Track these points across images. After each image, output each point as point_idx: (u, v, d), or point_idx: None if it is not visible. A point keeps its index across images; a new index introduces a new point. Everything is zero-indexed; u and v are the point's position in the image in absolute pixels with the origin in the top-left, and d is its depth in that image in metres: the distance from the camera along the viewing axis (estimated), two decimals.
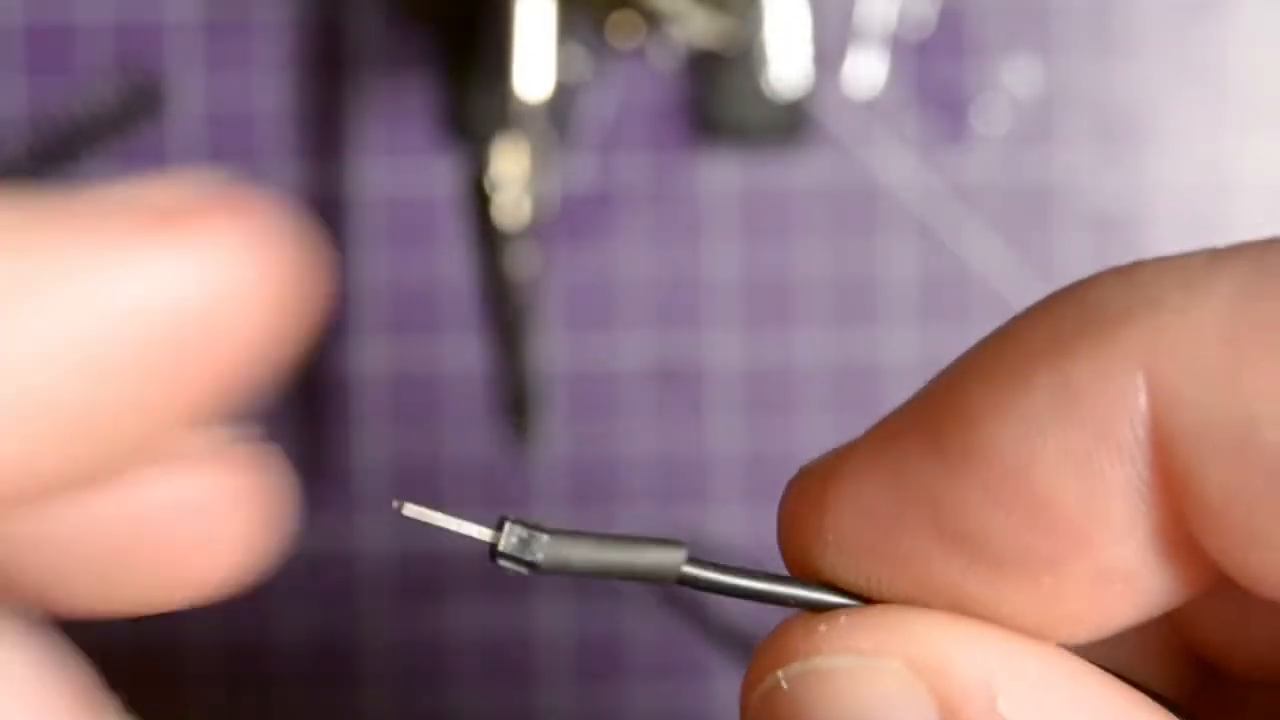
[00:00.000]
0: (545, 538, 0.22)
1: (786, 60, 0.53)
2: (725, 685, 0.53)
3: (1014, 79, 0.53)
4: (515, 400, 0.48)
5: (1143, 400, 0.20)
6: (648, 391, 0.53)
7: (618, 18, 0.52)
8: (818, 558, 0.22)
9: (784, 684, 0.22)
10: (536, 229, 0.46)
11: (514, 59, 0.45)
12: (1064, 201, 0.53)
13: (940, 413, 0.22)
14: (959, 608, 0.22)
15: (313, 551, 0.53)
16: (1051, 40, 0.53)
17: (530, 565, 0.22)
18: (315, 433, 0.53)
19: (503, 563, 0.22)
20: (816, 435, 0.52)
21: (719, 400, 0.53)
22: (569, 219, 0.53)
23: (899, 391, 0.52)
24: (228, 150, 0.53)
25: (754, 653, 0.23)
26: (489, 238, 0.45)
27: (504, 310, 0.47)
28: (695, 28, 0.51)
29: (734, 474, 0.53)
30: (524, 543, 0.22)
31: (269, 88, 0.53)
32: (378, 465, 0.53)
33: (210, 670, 0.53)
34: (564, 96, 0.52)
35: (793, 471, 0.23)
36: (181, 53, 0.53)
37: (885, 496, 0.22)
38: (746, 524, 0.53)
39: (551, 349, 0.53)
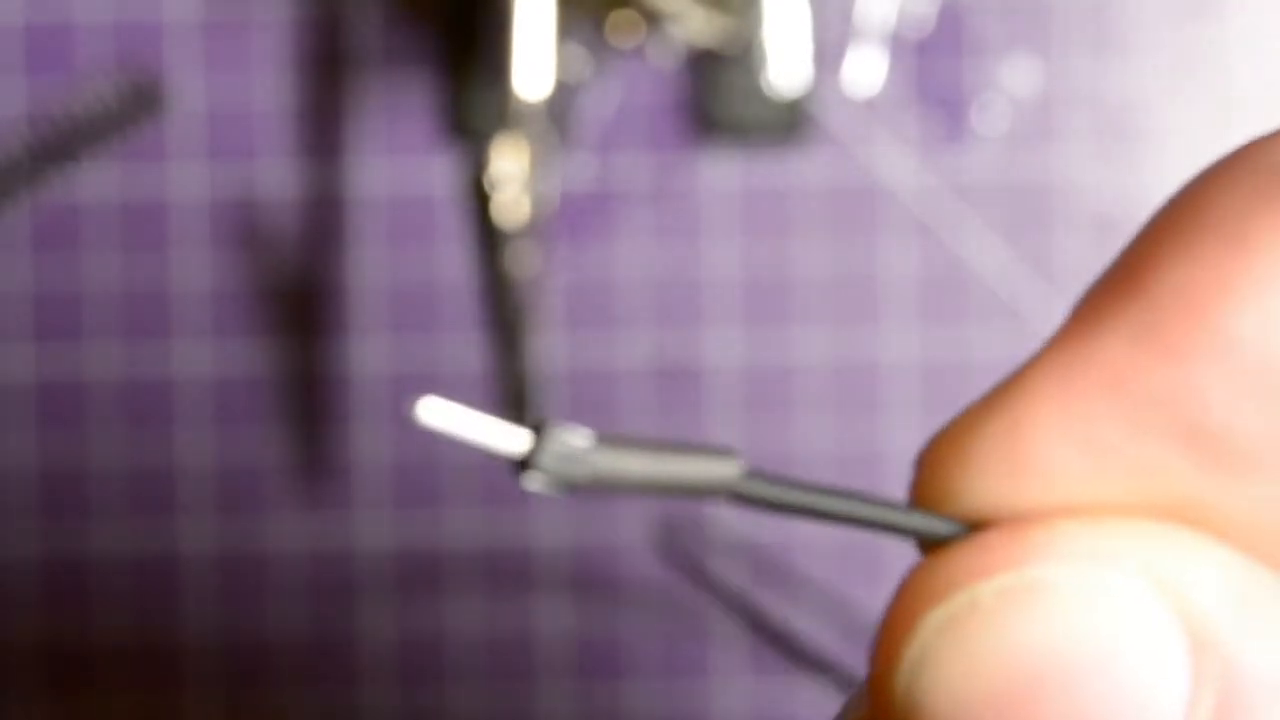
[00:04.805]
0: (589, 446, 0.17)
1: (786, 59, 0.53)
2: (725, 685, 0.53)
3: (1014, 79, 0.53)
4: (515, 400, 0.48)
5: None
6: (647, 391, 0.53)
7: (618, 17, 0.52)
8: (1004, 491, 0.18)
9: (982, 602, 0.17)
10: (536, 228, 0.46)
11: (513, 58, 0.45)
12: (1064, 201, 0.53)
13: (1153, 304, 0.18)
14: (1201, 525, 0.18)
15: (313, 551, 0.53)
16: (1051, 40, 0.53)
17: (569, 480, 0.18)
18: (315, 432, 0.53)
19: (536, 479, 0.18)
20: (816, 435, 0.52)
21: (719, 400, 0.53)
22: (569, 218, 0.53)
23: (899, 391, 0.52)
24: (228, 150, 0.53)
25: (914, 571, 0.18)
26: (488, 237, 0.45)
27: (503, 309, 0.47)
28: (695, 27, 0.51)
29: None
30: (562, 455, 0.17)
31: (269, 87, 0.53)
32: (378, 465, 0.53)
33: (210, 670, 0.53)
34: (564, 96, 0.52)
35: (792, 470, 0.21)
36: (181, 53, 0.53)
37: (1100, 408, 0.18)
38: (746, 523, 0.53)
39: (551, 348, 0.53)
